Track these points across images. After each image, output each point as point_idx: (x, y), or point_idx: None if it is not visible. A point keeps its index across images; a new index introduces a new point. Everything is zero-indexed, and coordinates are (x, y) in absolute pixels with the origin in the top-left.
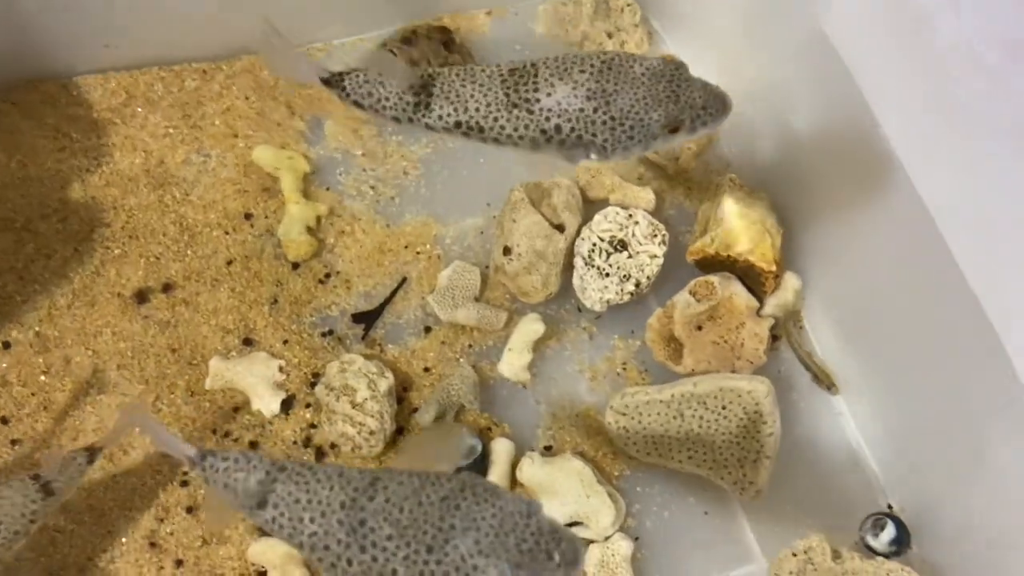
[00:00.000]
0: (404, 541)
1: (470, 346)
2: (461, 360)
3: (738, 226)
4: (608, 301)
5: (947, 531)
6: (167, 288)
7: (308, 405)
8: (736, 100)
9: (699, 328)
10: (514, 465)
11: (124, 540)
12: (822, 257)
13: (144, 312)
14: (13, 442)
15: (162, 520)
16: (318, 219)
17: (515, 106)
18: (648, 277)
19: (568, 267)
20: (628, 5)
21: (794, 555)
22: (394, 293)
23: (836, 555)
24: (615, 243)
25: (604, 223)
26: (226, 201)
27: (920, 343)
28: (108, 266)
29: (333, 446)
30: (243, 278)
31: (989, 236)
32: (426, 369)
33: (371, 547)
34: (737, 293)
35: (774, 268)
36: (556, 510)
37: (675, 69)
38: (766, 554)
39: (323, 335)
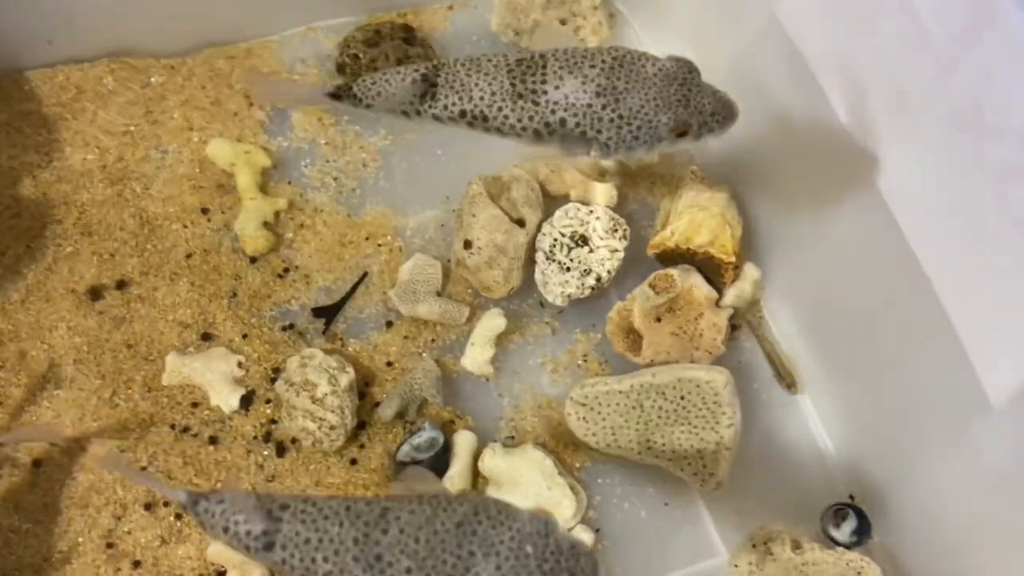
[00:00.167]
0: (424, 573)
1: (433, 340)
2: (424, 354)
3: (698, 218)
4: (569, 295)
5: (908, 521)
6: (122, 284)
7: (268, 400)
8: None
9: (658, 320)
10: (476, 457)
11: (81, 540)
12: (782, 248)
13: (100, 307)
14: None
15: (120, 518)
16: (276, 214)
17: (521, 96)
18: (609, 271)
19: (530, 262)
20: None
21: (754, 546)
22: (355, 287)
23: (796, 546)
24: (576, 238)
25: (565, 219)
26: (183, 196)
27: (879, 333)
28: (61, 263)
29: (294, 441)
30: (201, 272)
31: (942, 224)
32: (388, 363)
33: None
34: (696, 285)
35: (733, 259)
36: (517, 502)
37: (687, 72)
38: (728, 546)
39: (283, 329)
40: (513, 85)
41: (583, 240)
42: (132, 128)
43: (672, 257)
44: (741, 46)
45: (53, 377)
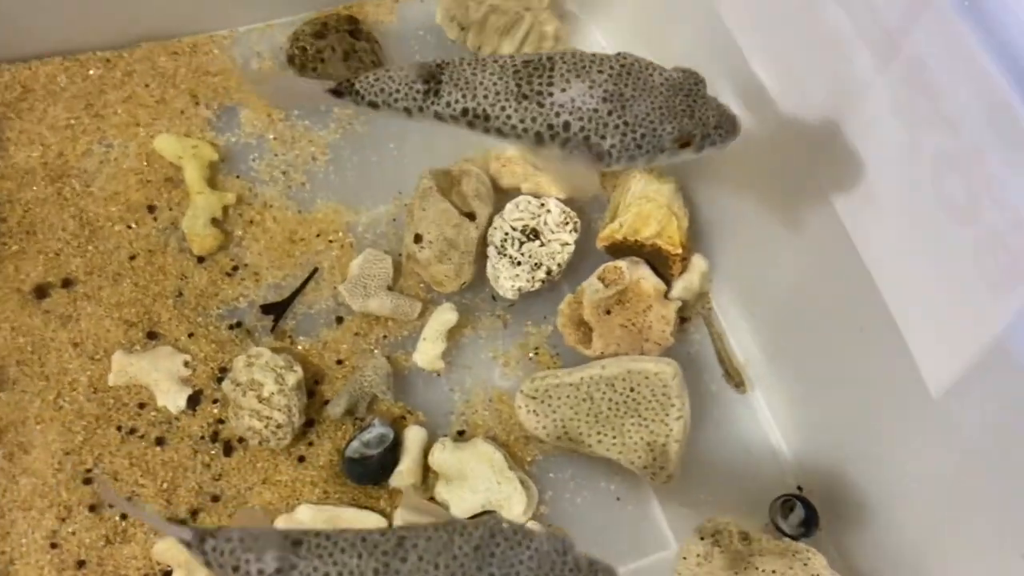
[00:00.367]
0: None
1: (384, 336)
2: (375, 351)
3: (645, 210)
4: (520, 289)
5: (855, 513)
6: (67, 283)
7: (215, 400)
8: None
9: (608, 312)
10: (427, 452)
11: (24, 541)
12: (728, 239)
13: (45, 307)
14: None
15: (64, 520)
16: (225, 209)
17: (526, 97)
18: (560, 264)
19: (481, 256)
20: None
21: (702, 538)
22: (305, 283)
23: (744, 537)
24: (527, 232)
25: (516, 212)
26: (129, 192)
27: (824, 325)
28: (6, 262)
29: (241, 440)
30: (147, 272)
31: (880, 215)
32: (339, 361)
33: None
34: (645, 277)
35: (680, 251)
36: (467, 498)
37: (694, 84)
38: (679, 539)
39: (231, 328)
40: (519, 85)
41: (534, 234)
42: (73, 122)
43: (621, 249)
44: (686, 40)
45: None
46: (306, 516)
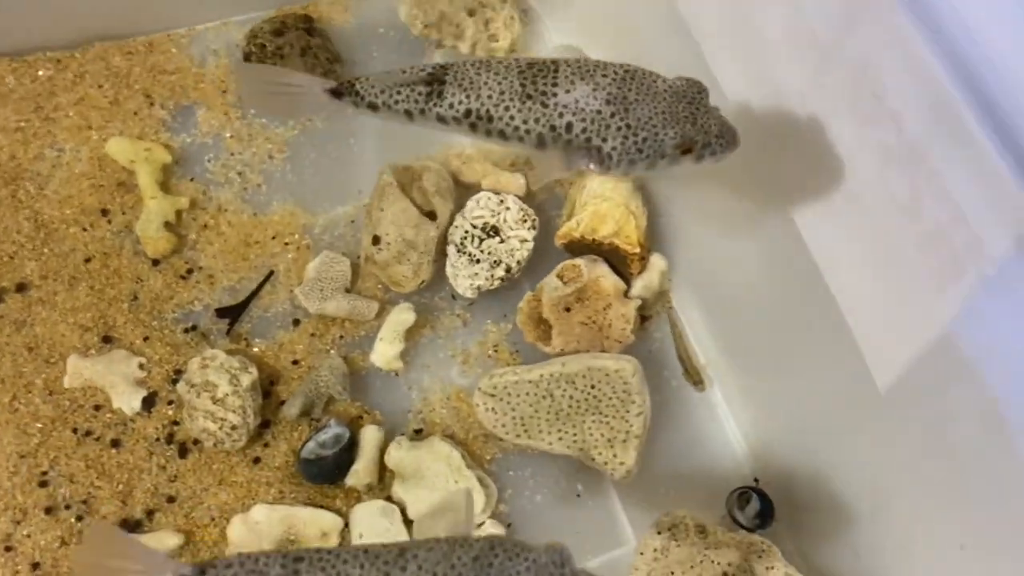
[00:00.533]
0: None
1: (341, 337)
2: (331, 351)
3: (602, 209)
4: (479, 287)
5: (810, 505)
6: (21, 287)
7: (171, 402)
8: None
9: (567, 310)
10: (383, 452)
11: None
12: (686, 238)
13: (0, 311)
14: None
15: (19, 523)
16: (179, 213)
17: (529, 97)
18: (519, 262)
19: (441, 255)
20: None
21: (659, 533)
22: (260, 287)
23: (701, 530)
24: (487, 229)
25: (476, 209)
26: (82, 197)
27: (780, 321)
28: None
29: (196, 442)
30: (102, 276)
31: (828, 211)
32: (294, 362)
33: None
34: (604, 275)
35: (639, 250)
36: (424, 497)
37: (697, 92)
38: (638, 534)
39: (186, 331)
40: (523, 86)
41: (494, 231)
42: (23, 125)
43: (579, 247)
44: (646, 38)
45: None
46: (261, 516)
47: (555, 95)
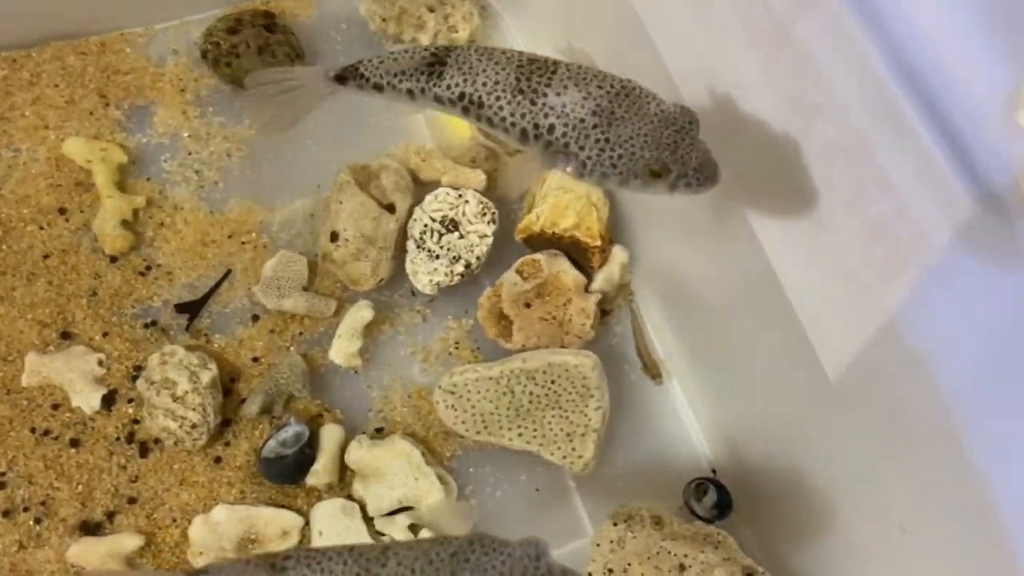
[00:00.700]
0: None
1: (301, 333)
2: (291, 349)
3: (563, 201)
4: (439, 283)
5: (766, 495)
6: None
7: (131, 400)
8: None
9: (527, 305)
10: (344, 450)
11: None
12: (646, 230)
13: None
14: None
15: None
16: (135, 212)
17: (521, 92)
18: (478, 257)
19: (401, 251)
20: None
21: (615, 524)
22: (218, 285)
23: (657, 522)
24: (446, 223)
25: (435, 203)
26: (39, 196)
27: (736, 314)
28: None
29: (157, 441)
30: (60, 272)
31: (776, 206)
32: (255, 359)
33: None
34: (564, 270)
35: (599, 243)
36: (384, 495)
37: (687, 122)
38: (596, 526)
39: (145, 326)
40: (518, 80)
41: (453, 225)
42: None
43: (539, 241)
44: (604, 35)
45: None
46: (222, 516)
47: (545, 95)
